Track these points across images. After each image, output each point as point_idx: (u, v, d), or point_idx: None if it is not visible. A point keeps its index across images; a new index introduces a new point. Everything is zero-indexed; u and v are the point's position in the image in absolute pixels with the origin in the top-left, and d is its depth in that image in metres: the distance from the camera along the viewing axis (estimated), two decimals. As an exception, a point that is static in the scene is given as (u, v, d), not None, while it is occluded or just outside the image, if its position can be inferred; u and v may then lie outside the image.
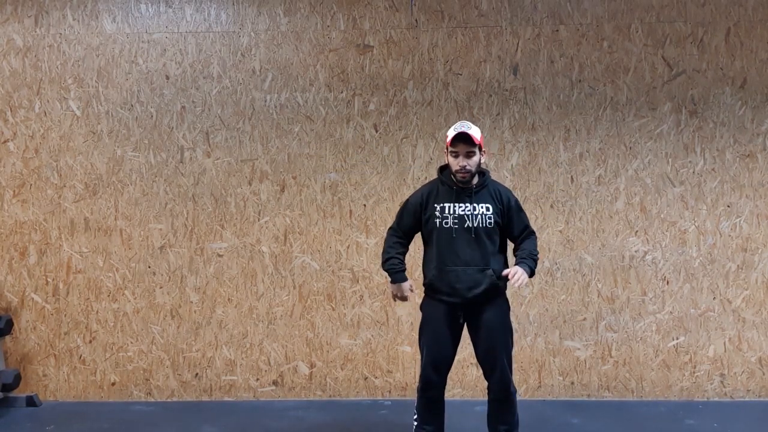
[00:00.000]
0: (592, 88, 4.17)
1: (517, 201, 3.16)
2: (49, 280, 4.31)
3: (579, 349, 4.20)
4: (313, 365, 4.29)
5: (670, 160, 4.15)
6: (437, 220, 3.06)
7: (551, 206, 4.18)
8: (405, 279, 3.19)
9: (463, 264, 3.02)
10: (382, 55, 4.22)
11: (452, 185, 3.08)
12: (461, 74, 4.20)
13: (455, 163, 3.03)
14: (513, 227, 3.13)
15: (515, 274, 2.95)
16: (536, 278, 4.18)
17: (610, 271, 4.18)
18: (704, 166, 4.15)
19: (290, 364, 4.30)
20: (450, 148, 3.05)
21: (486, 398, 3.20)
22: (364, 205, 4.24)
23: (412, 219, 3.17)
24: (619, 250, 4.17)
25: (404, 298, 3.22)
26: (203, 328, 4.29)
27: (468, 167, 3.02)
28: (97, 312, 4.30)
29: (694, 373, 4.17)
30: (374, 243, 4.21)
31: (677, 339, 4.17)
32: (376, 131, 4.24)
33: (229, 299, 4.28)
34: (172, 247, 4.29)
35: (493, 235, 3.06)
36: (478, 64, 4.20)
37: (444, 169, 3.17)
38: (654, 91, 4.15)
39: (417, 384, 3.19)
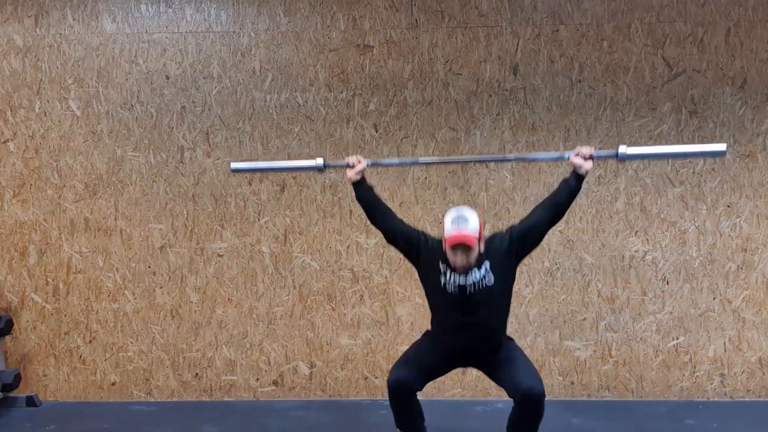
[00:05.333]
0: (592, 88, 4.17)
1: (512, 231, 2.97)
2: (49, 280, 4.31)
3: (579, 349, 4.20)
4: (313, 365, 4.29)
5: (669, 160, 4.15)
6: (442, 279, 2.95)
7: (551, 206, 4.18)
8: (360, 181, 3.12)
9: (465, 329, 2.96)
10: (382, 55, 4.22)
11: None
12: (461, 74, 4.20)
13: (453, 259, 2.86)
14: (530, 225, 2.95)
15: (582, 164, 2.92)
16: (536, 278, 4.18)
17: (610, 271, 4.18)
18: (704, 166, 4.15)
19: (290, 364, 4.30)
20: (447, 246, 2.85)
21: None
22: (364, 205, 4.24)
23: (403, 232, 3.06)
24: (619, 250, 4.17)
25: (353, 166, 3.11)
26: (203, 328, 4.29)
27: (468, 263, 2.85)
28: (97, 312, 4.31)
29: (694, 373, 4.17)
30: (374, 243, 4.21)
31: (677, 339, 4.18)
32: (376, 131, 4.24)
33: (229, 299, 4.29)
34: (172, 247, 4.29)
35: (493, 294, 2.95)
36: (478, 64, 4.20)
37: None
38: (654, 91, 4.15)
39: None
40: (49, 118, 4.29)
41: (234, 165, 3.29)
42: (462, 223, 2.83)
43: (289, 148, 4.25)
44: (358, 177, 3.11)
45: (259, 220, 4.27)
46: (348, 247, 4.25)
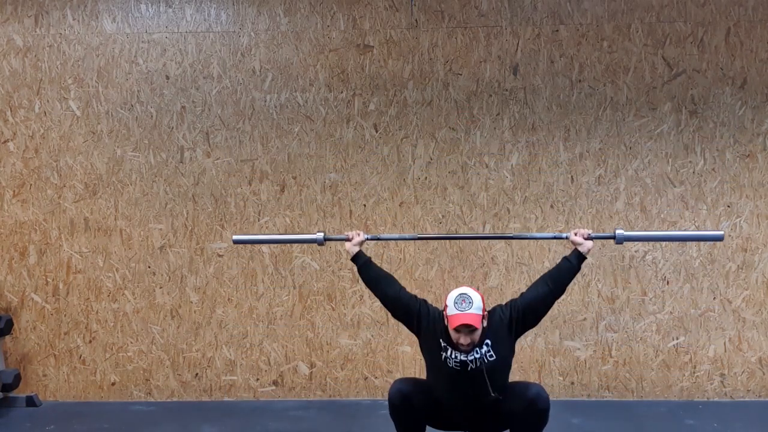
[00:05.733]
0: (592, 88, 4.17)
1: (512, 306, 2.98)
2: (49, 280, 4.31)
3: (579, 349, 4.20)
4: (313, 365, 4.29)
5: (670, 160, 4.15)
6: (443, 354, 2.89)
7: (551, 206, 4.18)
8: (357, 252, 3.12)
9: (463, 404, 2.92)
10: (382, 55, 4.22)
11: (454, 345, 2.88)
12: (461, 74, 4.20)
13: (457, 339, 2.82)
14: (530, 302, 2.98)
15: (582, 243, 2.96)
16: (536, 278, 4.17)
17: (610, 271, 4.18)
18: (704, 166, 4.15)
19: (290, 364, 4.30)
20: (450, 328, 2.82)
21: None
22: (364, 205, 4.24)
23: (403, 303, 3.01)
24: (619, 250, 4.17)
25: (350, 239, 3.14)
26: (203, 328, 4.29)
27: (472, 342, 2.82)
28: (97, 312, 4.30)
29: (694, 373, 4.17)
30: (374, 243, 4.21)
31: (677, 339, 4.17)
32: (376, 131, 4.24)
33: (229, 299, 4.28)
34: (172, 247, 4.29)
35: (496, 370, 2.91)
36: (478, 64, 4.20)
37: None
38: (654, 91, 4.15)
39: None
40: (49, 118, 4.29)
41: (236, 237, 3.38)
42: (466, 304, 2.81)
43: (289, 148, 4.25)
44: (357, 249, 3.12)
45: (259, 220, 4.27)
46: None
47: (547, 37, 4.17)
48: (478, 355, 2.86)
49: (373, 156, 4.23)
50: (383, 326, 4.24)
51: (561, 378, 4.21)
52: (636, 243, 4.14)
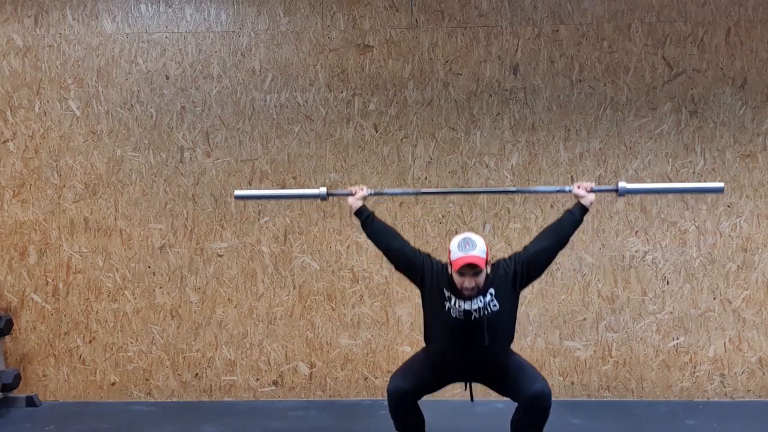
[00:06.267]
0: (592, 88, 4.17)
1: (516, 259, 2.99)
2: (49, 280, 4.31)
3: (579, 349, 4.20)
4: (313, 365, 4.29)
5: (670, 160, 4.15)
6: (446, 304, 2.90)
7: (551, 206, 4.18)
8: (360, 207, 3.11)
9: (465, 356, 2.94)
10: (382, 55, 4.22)
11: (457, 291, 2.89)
12: (461, 74, 4.20)
13: (461, 282, 2.83)
14: (533, 255, 2.98)
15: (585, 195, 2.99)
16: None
17: (610, 271, 4.18)
18: (704, 166, 4.15)
19: (290, 364, 4.30)
20: (454, 270, 2.83)
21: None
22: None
23: (407, 256, 3.02)
24: (619, 250, 4.17)
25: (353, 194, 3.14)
26: (203, 328, 4.29)
27: (476, 285, 2.84)
28: (97, 312, 4.30)
29: (694, 373, 4.17)
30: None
31: (677, 339, 4.17)
32: (376, 131, 4.24)
33: (229, 299, 4.28)
34: (172, 247, 4.29)
35: (499, 320, 2.92)
36: (478, 64, 4.20)
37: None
38: (654, 91, 4.15)
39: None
40: (49, 118, 4.29)
41: (237, 192, 3.34)
42: (470, 246, 2.82)
43: (289, 148, 4.25)
44: (360, 203, 3.12)
45: (259, 220, 4.27)
46: (348, 247, 4.25)
47: (547, 37, 4.17)
48: (481, 304, 2.86)
49: (373, 156, 4.23)
50: (383, 326, 4.24)
51: (561, 378, 4.21)
52: (636, 243, 4.15)
